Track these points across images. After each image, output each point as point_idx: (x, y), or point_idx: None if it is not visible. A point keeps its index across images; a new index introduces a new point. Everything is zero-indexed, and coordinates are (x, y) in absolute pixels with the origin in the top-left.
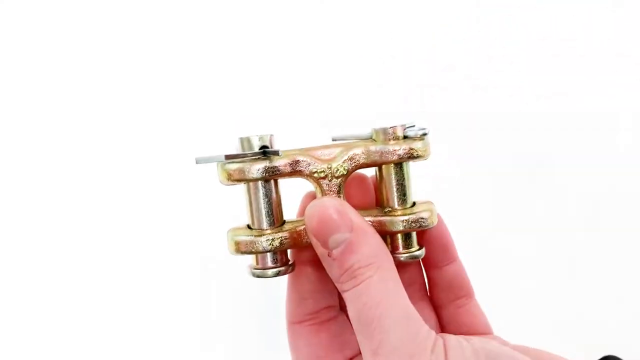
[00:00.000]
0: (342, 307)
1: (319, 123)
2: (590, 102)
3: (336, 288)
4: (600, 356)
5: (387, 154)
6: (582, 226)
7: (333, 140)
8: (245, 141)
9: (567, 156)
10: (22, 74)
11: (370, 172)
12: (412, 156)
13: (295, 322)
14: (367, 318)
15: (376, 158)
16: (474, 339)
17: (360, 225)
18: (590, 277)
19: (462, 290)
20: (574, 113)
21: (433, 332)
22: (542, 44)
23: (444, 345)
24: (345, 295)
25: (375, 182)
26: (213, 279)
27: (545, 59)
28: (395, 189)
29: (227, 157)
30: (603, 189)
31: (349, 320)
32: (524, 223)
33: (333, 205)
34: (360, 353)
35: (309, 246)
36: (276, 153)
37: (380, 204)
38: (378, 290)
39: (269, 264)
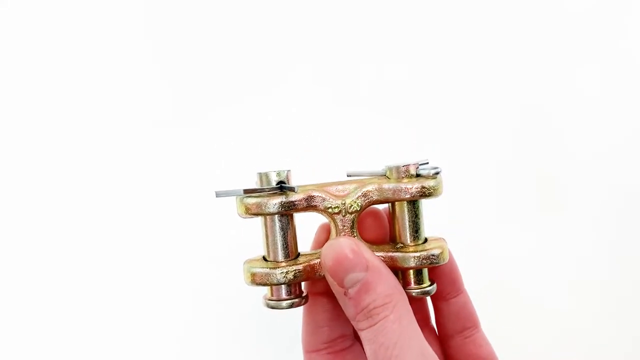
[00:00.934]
0: (356, 336)
1: (334, 158)
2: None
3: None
4: None
5: (400, 191)
6: (590, 255)
7: (348, 176)
8: (263, 176)
9: (582, 186)
10: (36, 79)
11: (385, 205)
12: (424, 194)
13: (312, 350)
14: (384, 358)
15: (389, 195)
16: None
17: (375, 265)
18: (598, 307)
19: (468, 321)
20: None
21: None
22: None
23: None
24: (361, 334)
25: (389, 216)
26: (220, 306)
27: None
28: (407, 226)
29: (246, 191)
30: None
31: (364, 350)
32: (528, 249)
33: (348, 245)
34: None
35: (323, 278)
36: (292, 189)
37: (392, 239)
38: (394, 330)
39: (283, 295)
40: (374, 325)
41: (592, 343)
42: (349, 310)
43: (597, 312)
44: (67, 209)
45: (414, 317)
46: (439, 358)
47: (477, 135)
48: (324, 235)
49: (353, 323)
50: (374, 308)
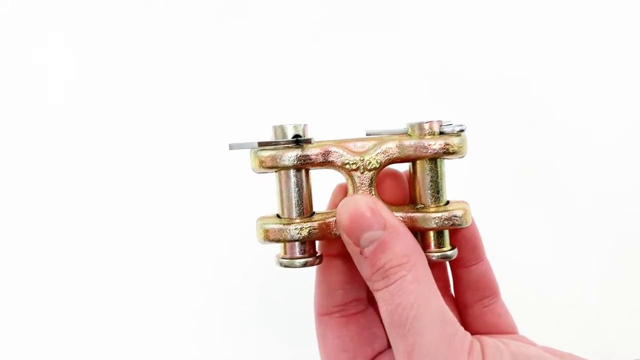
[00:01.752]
0: (370, 300)
1: (353, 117)
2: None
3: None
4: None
5: (422, 148)
6: (608, 225)
7: (367, 134)
8: (278, 129)
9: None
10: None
11: (404, 168)
12: (447, 152)
13: (324, 314)
14: (400, 319)
15: (410, 152)
16: (511, 343)
17: (393, 224)
18: (615, 279)
19: (488, 290)
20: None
21: (469, 335)
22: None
23: (482, 348)
24: (377, 295)
25: (409, 178)
26: (223, 276)
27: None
28: (429, 186)
29: (260, 144)
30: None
31: (378, 314)
32: (547, 221)
33: (366, 203)
34: (389, 347)
35: (338, 238)
36: (308, 141)
37: (412, 200)
38: (411, 291)
39: (297, 254)
40: (390, 285)
41: (604, 342)
42: (364, 270)
43: (606, 307)
44: (76, 195)
45: (433, 280)
46: None
47: (484, 131)
48: (341, 196)
49: (369, 284)
50: (391, 268)
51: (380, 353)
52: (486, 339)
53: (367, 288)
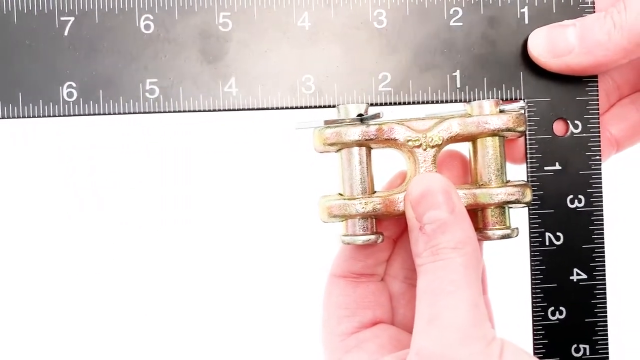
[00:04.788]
0: (384, 278)
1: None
2: None
3: (387, 262)
4: None
5: (484, 123)
6: None
7: (426, 116)
8: (342, 109)
9: None
10: None
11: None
12: (509, 129)
13: (338, 275)
14: (435, 289)
15: (473, 129)
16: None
17: (461, 210)
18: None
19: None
20: None
21: (494, 332)
22: None
23: (502, 346)
24: (420, 269)
25: (469, 160)
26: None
27: None
28: (491, 163)
29: (326, 122)
30: None
31: (388, 290)
32: None
33: (441, 184)
34: (391, 322)
35: (399, 216)
36: (376, 116)
37: (473, 181)
38: (456, 271)
39: (359, 231)
40: (437, 261)
41: None
42: (418, 245)
43: None
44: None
45: (480, 275)
46: None
47: None
48: (399, 181)
49: (416, 259)
50: (445, 248)
51: (381, 322)
52: (509, 342)
53: (387, 267)
